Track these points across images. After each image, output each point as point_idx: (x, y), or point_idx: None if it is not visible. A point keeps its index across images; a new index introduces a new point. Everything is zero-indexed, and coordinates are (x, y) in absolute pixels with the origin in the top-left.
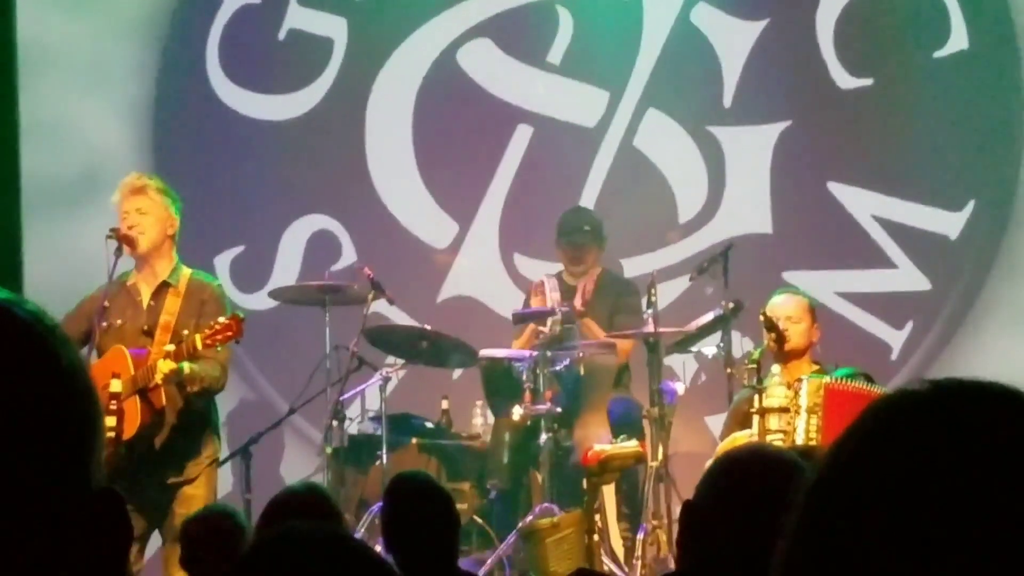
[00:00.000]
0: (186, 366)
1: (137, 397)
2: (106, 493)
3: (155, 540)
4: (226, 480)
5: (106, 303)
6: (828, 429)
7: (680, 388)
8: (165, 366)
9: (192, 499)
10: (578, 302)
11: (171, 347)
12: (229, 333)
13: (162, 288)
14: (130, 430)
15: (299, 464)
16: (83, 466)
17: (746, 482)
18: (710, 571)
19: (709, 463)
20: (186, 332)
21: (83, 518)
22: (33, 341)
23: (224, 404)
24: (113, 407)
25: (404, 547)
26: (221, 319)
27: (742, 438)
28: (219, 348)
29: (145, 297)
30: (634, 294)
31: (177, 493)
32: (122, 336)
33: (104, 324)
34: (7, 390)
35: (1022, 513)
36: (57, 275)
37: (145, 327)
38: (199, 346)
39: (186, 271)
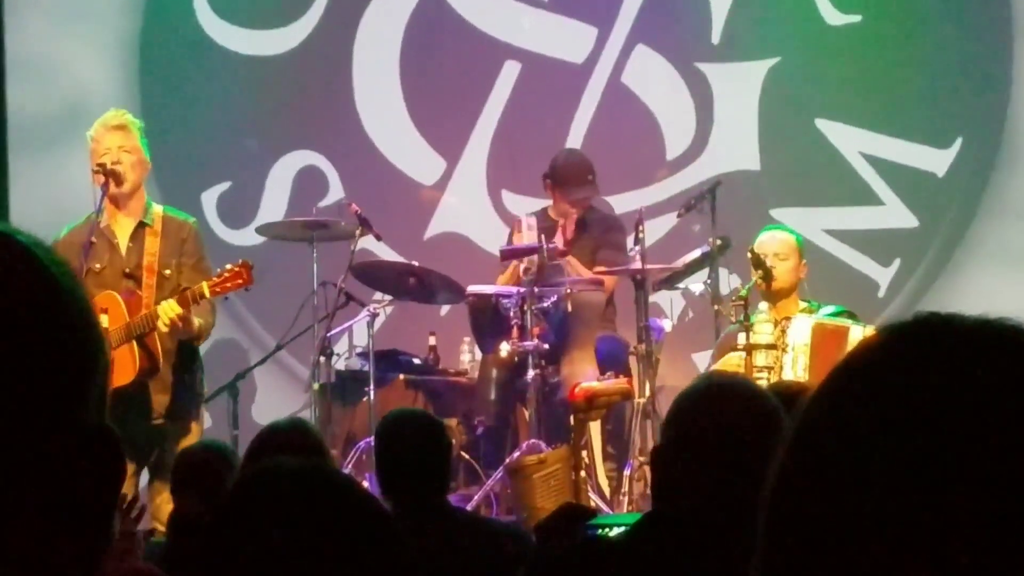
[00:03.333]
0: (196, 320)
1: (135, 343)
2: (101, 430)
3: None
4: (207, 416)
5: (93, 239)
6: (816, 367)
7: (667, 325)
8: (171, 309)
9: (181, 435)
10: (560, 241)
11: (172, 301)
12: (239, 281)
13: (139, 229)
14: (128, 376)
15: (286, 400)
16: (80, 399)
17: (706, 418)
18: (685, 508)
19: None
20: (167, 272)
21: (77, 453)
22: (35, 267)
23: (210, 340)
24: None
25: (396, 482)
26: (228, 265)
27: (735, 360)
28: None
29: (123, 239)
30: (618, 229)
31: (167, 431)
32: (103, 281)
33: (85, 268)
34: (5, 314)
35: (1011, 444)
36: (43, 210)
37: (127, 270)
38: (207, 294)
39: (158, 209)
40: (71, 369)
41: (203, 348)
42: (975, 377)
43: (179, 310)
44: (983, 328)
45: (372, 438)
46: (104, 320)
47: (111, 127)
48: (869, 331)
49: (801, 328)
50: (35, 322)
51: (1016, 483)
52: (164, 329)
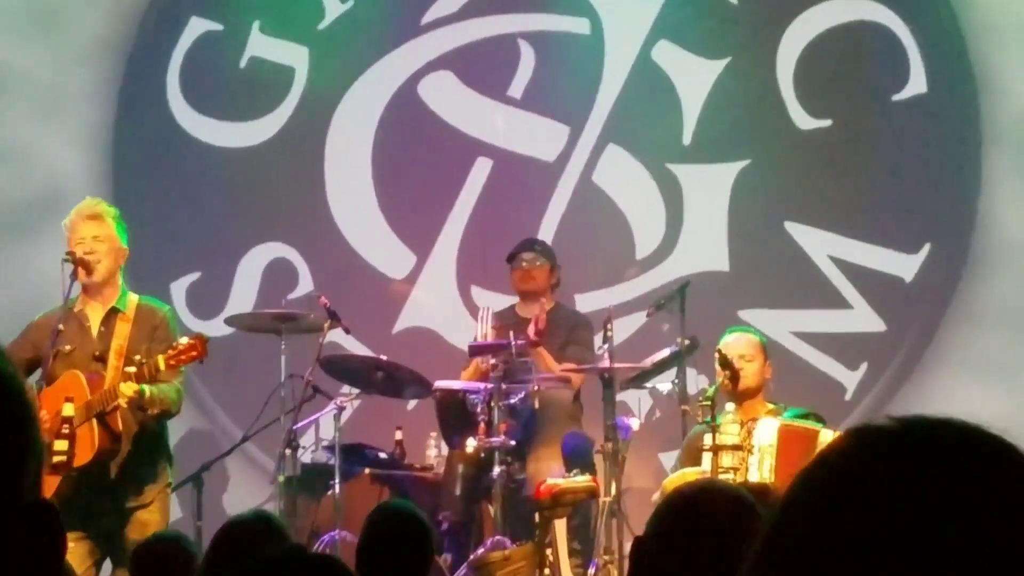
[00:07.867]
0: (147, 388)
1: (95, 422)
2: (38, 506)
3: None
4: (175, 506)
5: (60, 326)
6: (782, 469)
7: (634, 424)
8: (128, 388)
9: (146, 525)
10: (531, 331)
11: (132, 368)
12: (193, 353)
13: (111, 314)
14: (86, 455)
15: (251, 492)
16: (13, 476)
17: (695, 517)
18: None
19: (655, 497)
20: (137, 357)
21: (12, 531)
22: None
23: (177, 431)
24: (66, 431)
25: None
26: (183, 339)
27: (691, 475)
28: (182, 369)
29: (95, 323)
30: (586, 327)
31: (131, 519)
32: (72, 363)
33: (54, 350)
34: None
35: (988, 552)
36: (11, 299)
37: (96, 353)
38: (162, 367)
39: (133, 297)
40: (9, 450)
41: (172, 439)
42: (947, 481)
43: (135, 386)
44: (952, 432)
45: (336, 532)
46: (69, 408)
47: (85, 216)
48: (836, 435)
49: (768, 430)
50: None
51: None
52: (123, 403)
